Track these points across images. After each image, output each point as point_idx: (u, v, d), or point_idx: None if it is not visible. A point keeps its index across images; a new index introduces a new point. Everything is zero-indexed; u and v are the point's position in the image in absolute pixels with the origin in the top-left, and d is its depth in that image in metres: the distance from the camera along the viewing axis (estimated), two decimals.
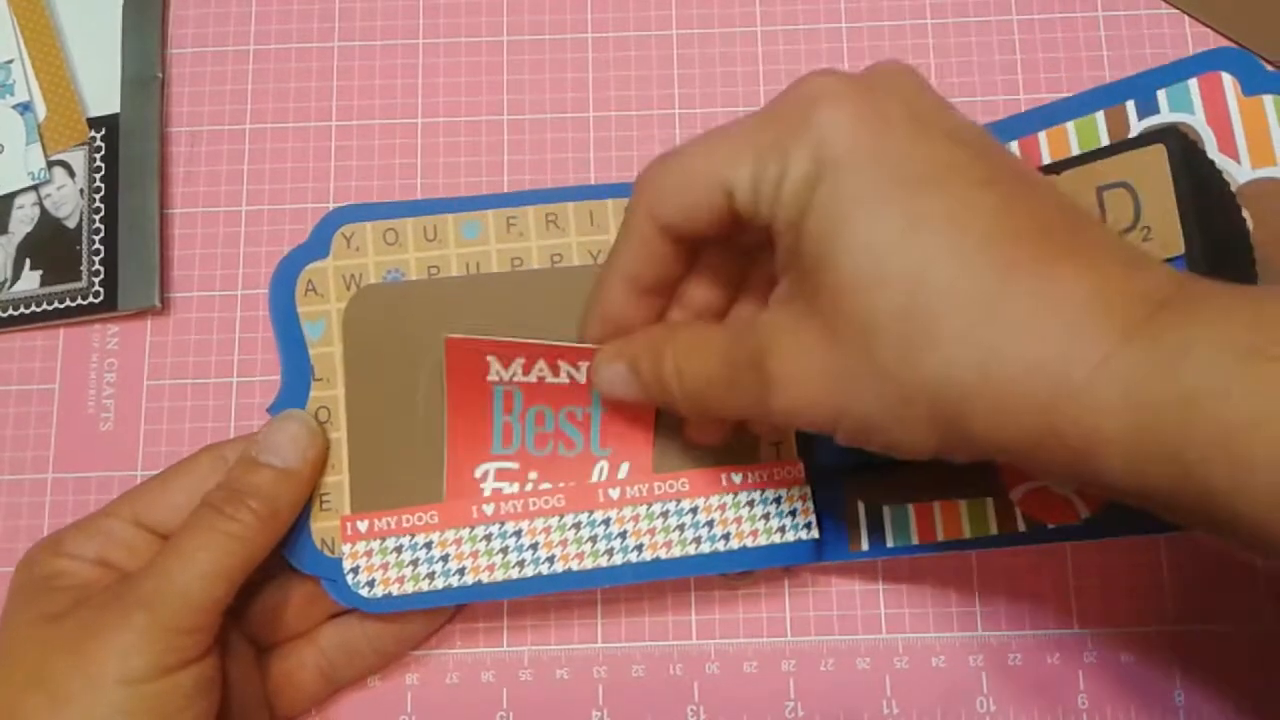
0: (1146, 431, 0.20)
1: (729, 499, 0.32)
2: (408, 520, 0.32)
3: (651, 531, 0.32)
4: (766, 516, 0.32)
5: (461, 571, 0.31)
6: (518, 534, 0.32)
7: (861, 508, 0.33)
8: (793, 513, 0.32)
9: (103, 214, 0.36)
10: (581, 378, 0.31)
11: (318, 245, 0.33)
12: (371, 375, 0.32)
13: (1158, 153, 0.29)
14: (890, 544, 0.32)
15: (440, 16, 0.39)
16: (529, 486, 0.32)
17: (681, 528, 0.32)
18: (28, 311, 0.36)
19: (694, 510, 0.32)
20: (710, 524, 0.32)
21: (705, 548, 0.32)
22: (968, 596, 0.34)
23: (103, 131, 0.37)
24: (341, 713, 0.34)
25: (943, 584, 0.34)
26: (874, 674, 0.34)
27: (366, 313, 0.33)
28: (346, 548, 0.31)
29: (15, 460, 0.35)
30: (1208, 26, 0.38)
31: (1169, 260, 0.28)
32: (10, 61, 0.38)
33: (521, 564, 0.31)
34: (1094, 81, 0.38)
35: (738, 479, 0.32)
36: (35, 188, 0.37)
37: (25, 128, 0.37)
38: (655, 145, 0.37)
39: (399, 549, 0.31)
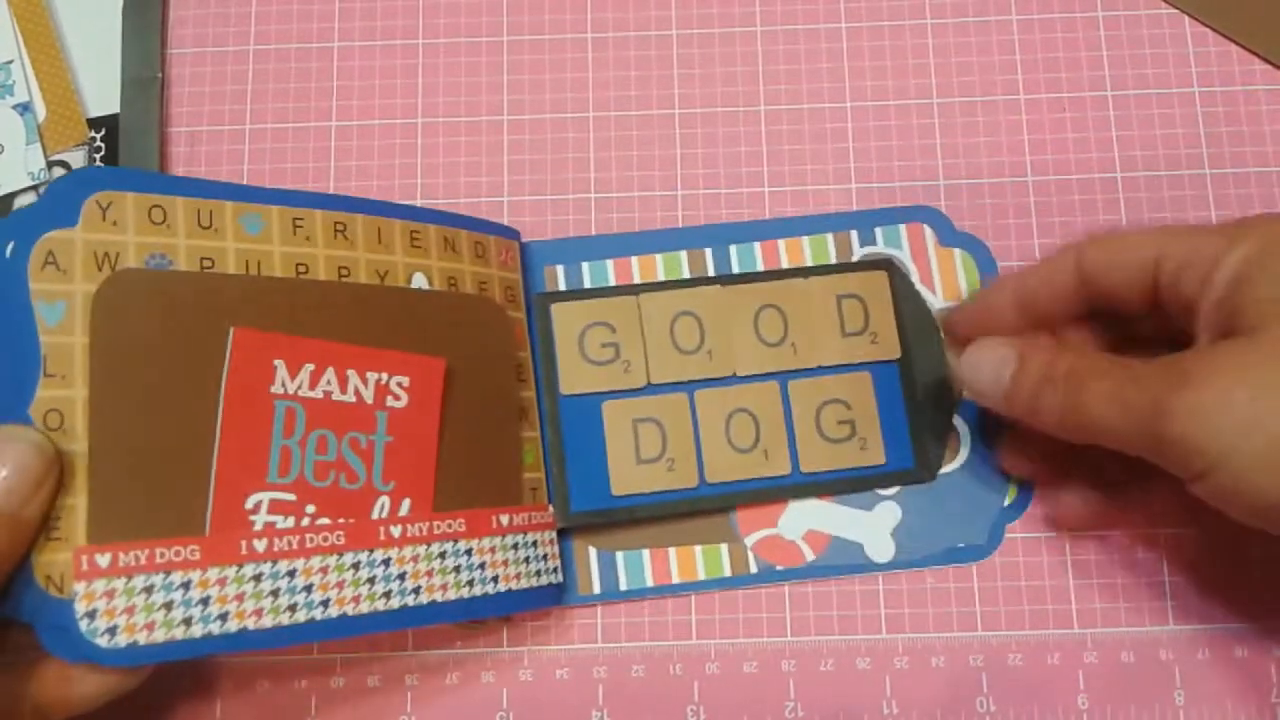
0: None
1: (498, 541, 0.31)
2: (162, 554, 0.26)
3: (430, 573, 0.30)
4: (526, 560, 0.32)
5: (225, 617, 0.27)
6: (291, 574, 0.28)
7: (593, 552, 0.34)
8: (544, 556, 0.32)
9: None
10: (370, 394, 0.29)
11: (61, 209, 0.27)
12: (124, 377, 0.27)
13: (882, 277, 0.35)
14: (623, 587, 0.34)
15: (440, 16, 0.39)
16: (306, 521, 0.28)
17: (458, 569, 0.30)
18: None
19: (469, 551, 0.30)
20: (483, 566, 0.31)
21: (478, 590, 0.30)
22: (967, 597, 0.34)
23: (103, 131, 0.37)
24: (340, 713, 0.34)
25: (943, 584, 0.34)
26: (874, 674, 0.34)
27: (124, 301, 0.27)
28: (80, 586, 0.25)
29: None
30: (1207, 26, 0.38)
31: (886, 362, 0.35)
32: (10, 62, 0.38)
33: (294, 608, 0.27)
34: (1093, 82, 0.38)
35: (505, 520, 0.31)
36: (35, 188, 0.37)
37: (25, 128, 0.37)
38: (655, 145, 0.37)
39: (149, 589, 0.26)
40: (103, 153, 0.37)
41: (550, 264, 0.36)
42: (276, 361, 0.28)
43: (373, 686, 0.34)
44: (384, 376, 0.30)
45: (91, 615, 0.25)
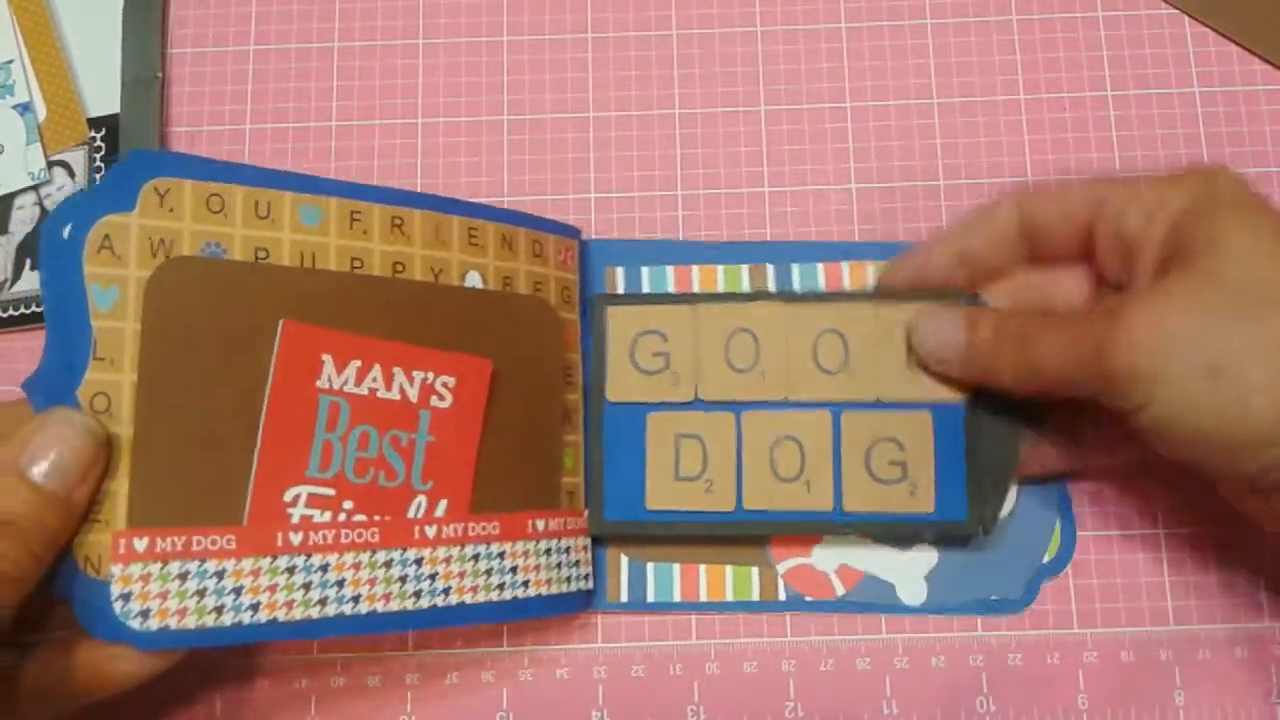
0: None
1: (532, 545, 0.31)
2: (199, 542, 0.27)
3: (461, 574, 0.30)
4: (559, 565, 0.32)
5: (255, 607, 0.27)
6: (324, 568, 0.28)
7: (625, 561, 0.34)
8: (577, 563, 0.32)
9: None
10: (414, 393, 0.30)
11: (119, 193, 0.27)
12: (173, 365, 0.27)
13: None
14: (650, 599, 0.34)
15: (440, 16, 0.39)
16: (342, 516, 0.28)
17: (489, 572, 0.30)
18: (28, 311, 0.36)
19: (501, 555, 0.30)
20: (514, 570, 0.31)
21: (508, 594, 0.30)
22: None
23: (103, 131, 0.37)
24: (340, 713, 0.34)
25: None
26: (874, 674, 0.34)
27: (176, 289, 0.27)
28: (117, 569, 0.26)
29: None
30: (1207, 26, 0.38)
31: (950, 404, 0.32)
32: (10, 62, 0.38)
33: (324, 602, 0.28)
34: (1093, 82, 0.38)
35: (540, 525, 0.31)
36: (35, 188, 0.37)
37: (25, 128, 0.37)
38: (655, 146, 0.37)
39: (184, 575, 0.26)
40: (103, 152, 0.37)
41: (611, 265, 0.36)
42: (324, 356, 0.28)
43: (373, 686, 0.34)
44: (430, 376, 0.30)
45: (126, 598, 0.26)
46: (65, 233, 0.26)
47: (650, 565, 0.34)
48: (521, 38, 0.39)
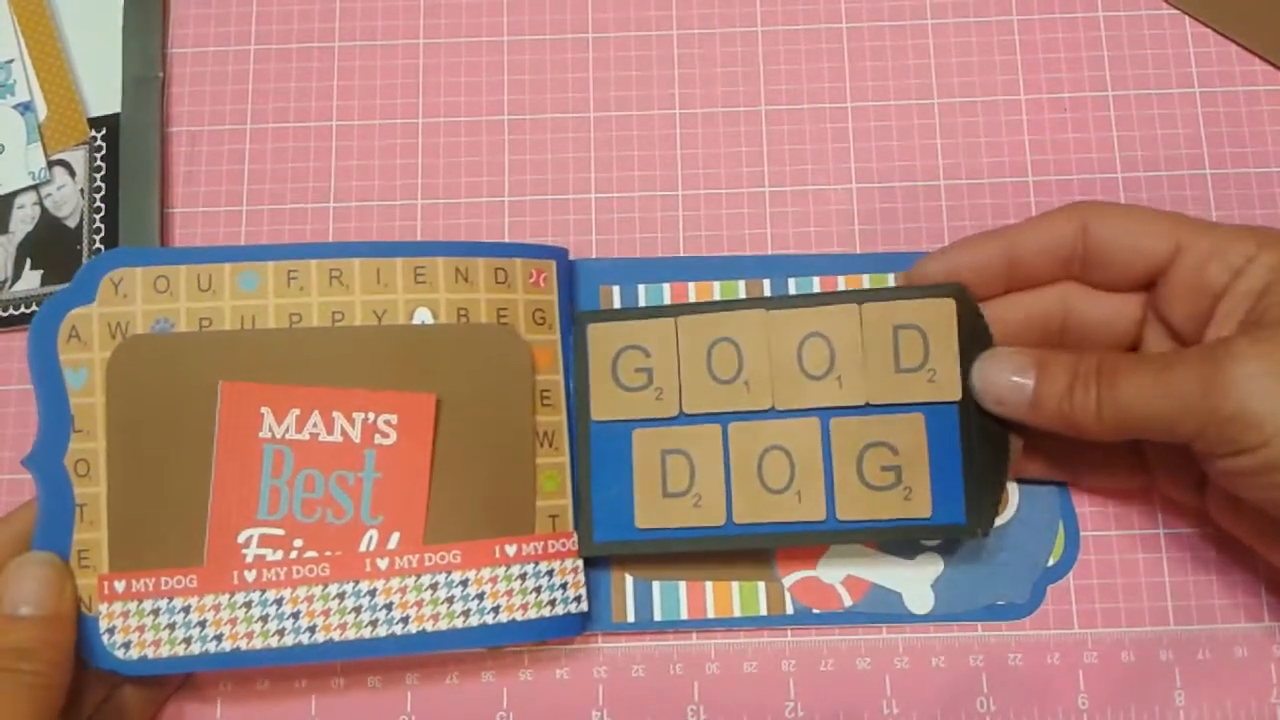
0: None
1: (500, 571, 0.31)
2: (166, 583, 0.31)
3: (419, 604, 0.31)
4: (538, 590, 0.32)
5: (219, 638, 0.30)
6: (279, 602, 0.31)
7: (629, 581, 0.34)
8: (564, 586, 0.32)
9: (103, 214, 0.36)
10: (356, 434, 0.31)
11: (83, 289, 0.31)
12: (135, 429, 0.31)
13: (948, 305, 0.32)
14: (657, 617, 0.34)
15: (440, 16, 0.39)
16: (293, 554, 0.31)
17: (450, 600, 0.31)
18: (28, 311, 0.36)
19: (464, 582, 0.31)
20: (480, 596, 0.31)
21: (474, 621, 0.31)
22: None
23: (103, 131, 0.37)
24: (340, 713, 0.34)
25: None
26: (874, 674, 0.34)
27: (132, 364, 0.31)
28: (103, 607, 0.30)
29: (16, 460, 0.35)
30: (1208, 27, 0.38)
31: (944, 404, 0.31)
32: (10, 61, 0.38)
33: (281, 633, 0.30)
34: (1093, 82, 0.38)
35: (511, 550, 0.31)
36: (35, 187, 0.37)
37: (26, 128, 0.37)
38: (655, 146, 0.37)
39: (156, 611, 0.30)
40: (103, 152, 0.37)
41: (607, 284, 0.35)
42: (263, 409, 0.31)
43: (373, 686, 0.34)
44: (371, 415, 0.31)
45: (111, 631, 0.30)
46: (44, 330, 0.31)
47: (656, 584, 0.34)
48: (521, 38, 0.39)
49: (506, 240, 0.36)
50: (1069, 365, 0.29)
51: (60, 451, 0.31)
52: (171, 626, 0.30)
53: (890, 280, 0.35)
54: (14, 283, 0.36)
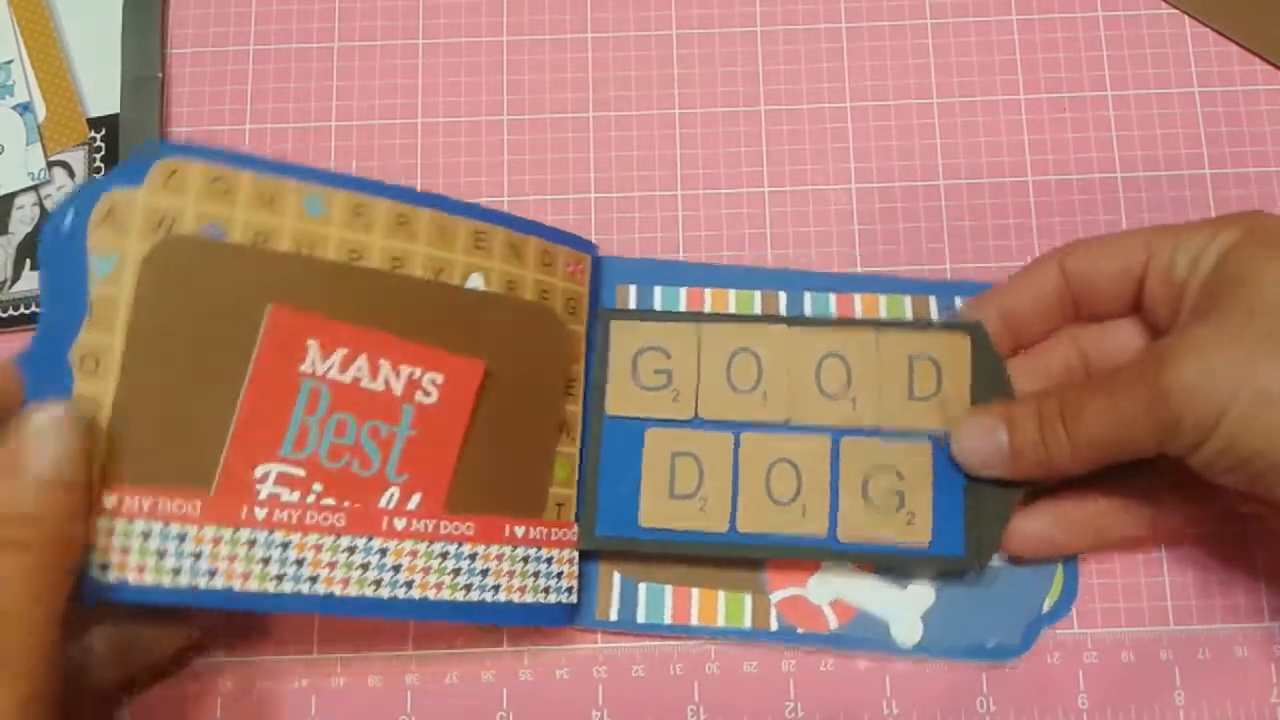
0: None
1: (507, 550, 0.31)
2: (165, 505, 0.27)
3: (426, 570, 0.30)
4: (536, 574, 0.31)
5: (213, 573, 0.28)
6: (285, 545, 0.28)
7: (617, 579, 0.34)
8: (559, 575, 0.32)
9: None
10: (399, 387, 0.30)
11: (131, 171, 0.28)
12: (161, 334, 0.28)
13: (963, 341, 0.33)
14: (641, 619, 0.33)
15: (440, 16, 0.39)
16: (310, 498, 0.29)
17: (457, 571, 0.30)
18: (28, 311, 0.36)
19: (473, 556, 0.30)
20: (485, 573, 0.30)
21: (474, 596, 0.30)
22: None
23: (103, 131, 0.37)
24: (340, 713, 0.34)
25: None
26: (874, 674, 0.34)
27: (172, 263, 0.28)
28: None
29: None
30: (1207, 26, 0.38)
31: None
32: (10, 62, 0.38)
33: (281, 578, 0.28)
34: (1093, 82, 0.38)
35: (520, 532, 0.31)
36: (35, 188, 0.37)
37: (25, 128, 0.37)
38: (655, 146, 0.37)
39: (147, 534, 0.27)
40: (103, 152, 0.37)
41: (623, 282, 0.35)
42: (310, 341, 0.29)
43: (373, 686, 0.34)
44: (418, 371, 0.30)
45: (88, 548, 0.27)
46: (69, 216, 0.27)
47: (643, 585, 0.34)
48: (521, 38, 0.39)
49: None
50: (1034, 412, 0.30)
51: (66, 342, 0.27)
52: (161, 553, 0.27)
53: (905, 301, 0.35)
54: (14, 283, 0.36)
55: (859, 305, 0.35)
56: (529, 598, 0.31)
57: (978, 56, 0.38)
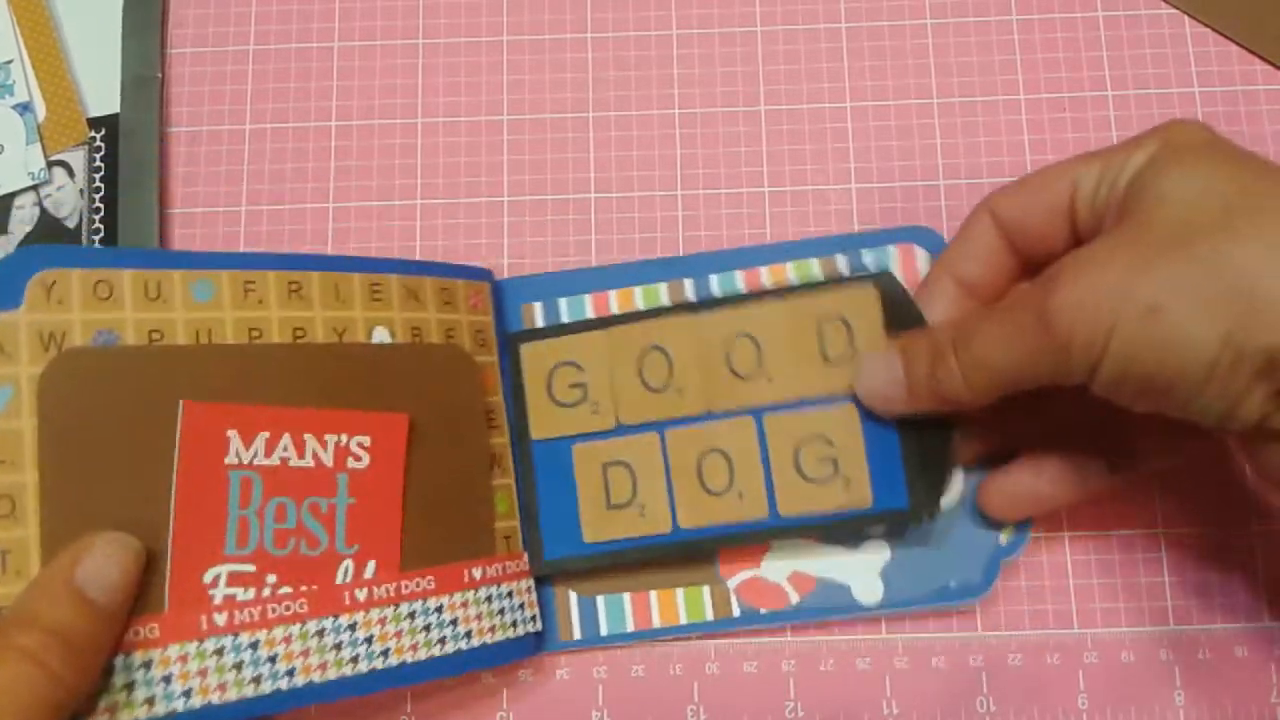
0: None
1: (470, 595, 0.31)
2: (123, 635, 0.26)
3: (399, 634, 0.29)
4: (502, 611, 0.31)
5: (188, 693, 0.26)
6: (254, 645, 0.27)
7: (573, 597, 0.33)
8: (521, 606, 0.32)
9: (103, 214, 0.36)
10: (329, 458, 0.29)
11: (5, 291, 0.26)
12: (74, 458, 0.26)
13: (869, 293, 0.32)
14: (604, 632, 0.33)
15: (440, 16, 0.39)
16: (267, 591, 0.28)
17: (428, 628, 0.30)
18: None
19: (439, 609, 0.30)
20: (454, 622, 0.30)
21: (450, 648, 0.30)
22: None
23: (103, 131, 0.37)
24: (340, 712, 0.34)
25: None
26: (874, 674, 0.34)
27: (70, 381, 0.26)
28: None
29: None
30: (1207, 26, 0.38)
31: None
32: (10, 61, 0.38)
33: (258, 680, 0.27)
34: (1093, 82, 0.38)
35: (478, 574, 0.31)
36: (35, 188, 0.37)
37: (25, 128, 0.37)
38: (655, 146, 0.37)
39: (109, 671, 0.25)
40: (103, 152, 0.37)
41: (528, 302, 0.35)
42: (230, 431, 0.28)
43: None
44: (343, 438, 0.29)
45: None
46: None
47: (600, 599, 0.33)
48: (521, 38, 0.39)
49: (504, 240, 0.37)
50: (930, 343, 0.29)
51: None
52: (130, 686, 0.26)
53: (813, 265, 0.35)
54: None
55: (766, 277, 0.35)
56: (499, 635, 0.31)
57: (978, 56, 0.38)
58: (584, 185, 0.37)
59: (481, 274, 0.34)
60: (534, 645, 0.33)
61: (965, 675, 0.34)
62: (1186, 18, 0.38)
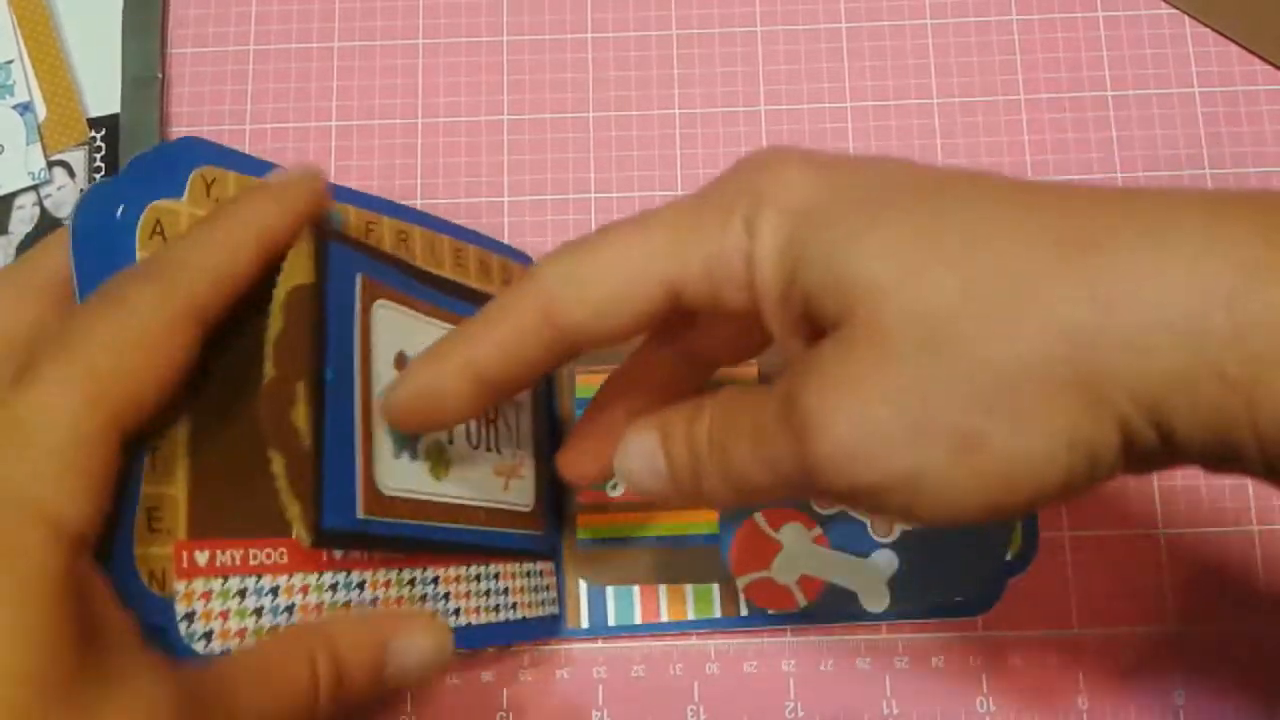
0: None
1: (517, 567, 0.31)
2: (255, 556, 0.24)
3: (468, 595, 0.29)
4: (535, 589, 0.31)
5: None
6: (360, 586, 0.26)
7: (583, 586, 0.33)
8: (547, 586, 0.32)
9: None
10: None
11: (168, 180, 0.25)
12: (229, 367, 0.24)
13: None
14: (612, 622, 0.33)
15: (440, 16, 0.39)
16: None
17: (488, 593, 0.30)
18: None
19: (497, 575, 0.30)
20: (506, 591, 0.30)
21: (500, 616, 0.30)
22: None
23: (103, 131, 0.37)
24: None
25: None
26: (874, 674, 0.34)
27: None
28: (181, 586, 0.23)
29: None
30: (1207, 26, 0.38)
31: None
32: (10, 61, 0.38)
33: None
34: (1093, 82, 0.38)
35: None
36: (35, 188, 0.37)
37: (25, 128, 0.37)
38: (655, 146, 0.37)
39: (243, 592, 0.24)
40: (103, 152, 0.37)
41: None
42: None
43: None
44: None
45: (190, 617, 0.23)
46: (119, 213, 0.24)
47: (610, 589, 0.34)
48: (521, 38, 0.39)
49: (505, 240, 0.37)
50: (685, 438, 0.23)
51: None
52: (259, 612, 0.24)
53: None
54: None
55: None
56: (532, 611, 0.31)
57: (978, 56, 0.38)
58: (584, 185, 0.37)
59: (526, 259, 0.34)
60: (554, 627, 0.33)
61: (965, 675, 0.34)
62: (1186, 18, 0.38)
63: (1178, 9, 0.38)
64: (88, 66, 0.38)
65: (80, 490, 0.20)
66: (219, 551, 0.24)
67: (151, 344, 0.21)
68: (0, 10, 0.38)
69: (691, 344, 0.26)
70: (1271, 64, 0.38)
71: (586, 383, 0.34)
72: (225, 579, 0.24)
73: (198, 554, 0.24)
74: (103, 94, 0.38)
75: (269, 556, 0.25)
